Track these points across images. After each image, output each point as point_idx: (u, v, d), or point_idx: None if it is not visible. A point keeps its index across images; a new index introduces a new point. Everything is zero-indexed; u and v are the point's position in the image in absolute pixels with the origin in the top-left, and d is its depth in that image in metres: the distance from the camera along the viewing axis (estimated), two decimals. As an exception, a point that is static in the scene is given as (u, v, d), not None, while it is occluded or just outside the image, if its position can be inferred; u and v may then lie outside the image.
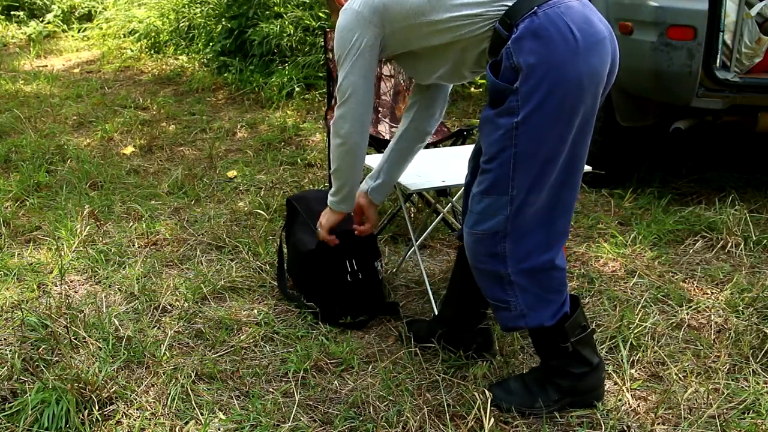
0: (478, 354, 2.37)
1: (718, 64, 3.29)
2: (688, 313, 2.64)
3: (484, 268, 2.02)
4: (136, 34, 8.10)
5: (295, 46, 6.29)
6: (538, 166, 1.90)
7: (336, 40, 2.13)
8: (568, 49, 1.83)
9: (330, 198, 2.40)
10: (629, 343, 2.44)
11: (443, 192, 2.57)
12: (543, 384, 2.13)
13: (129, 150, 4.76)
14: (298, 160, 4.50)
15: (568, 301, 2.06)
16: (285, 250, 2.94)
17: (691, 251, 3.19)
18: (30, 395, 2.11)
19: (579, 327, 2.08)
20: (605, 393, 2.19)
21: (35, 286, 2.90)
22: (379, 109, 3.73)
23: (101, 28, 8.85)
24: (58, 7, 9.59)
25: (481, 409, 2.05)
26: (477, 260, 2.03)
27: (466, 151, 2.99)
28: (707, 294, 2.81)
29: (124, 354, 2.40)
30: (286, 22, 6.34)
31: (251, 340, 2.53)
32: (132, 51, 7.86)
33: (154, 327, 2.61)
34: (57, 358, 2.35)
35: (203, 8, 7.47)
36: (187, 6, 7.74)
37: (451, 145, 3.30)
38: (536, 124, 1.86)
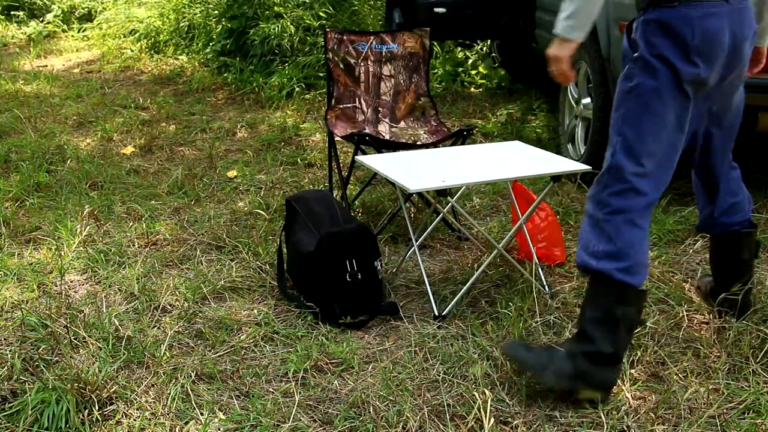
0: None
1: (718, 64, 3.29)
2: (688, 313, 2.64)
3: (590, 212, 2.23)
4: (136, 34, 8.10)
5: (296, 46, 6.29)
6: (636, 135, 2.16)
7: None
8: (678, 50, 2.10)
9: (564, 23, 2.17)
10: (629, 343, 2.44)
11: (443, 192, 2.57)
12: (564, 357, 2.16)
13: (129, 150, 4.76)
14: (298, 160, 4.50)
15: (640, 275, 2.15)
16: (284, 250, 2.94)
17: (691, 251, 3.18)
18: (30, 395, 2.11)
19: (635, 308, 2.17)
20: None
21: (35, 286, 2.90)
22: (379, 109, 3.73)
23: (101, 28, 8.84)
24: (58, 7, 9.59)
25: (481, 409, 2.05)
26: (588, 204, 2.26)
27: (466, 151, 2.99)
28: (707, 294, 2.80)
29: (124, 354, 2.40)
30: (287, 22, 6.34)
31: (251, 340, 2.53)
32: (132, 51, 7.86)
33: (154, 327, 2.61)
34: (57, 358, 2.35)
35: (203, 8, 7.47)
36: (187, 6, 7.74)
37: (451, 145, 3.30)
38: (639, 98, 2.15)
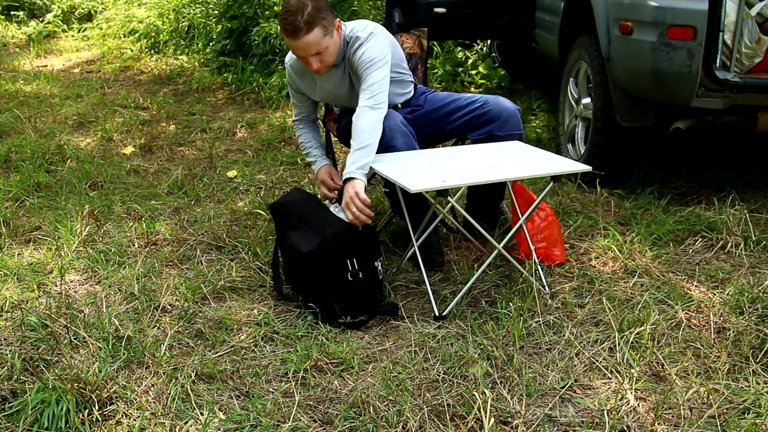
0: None
1: (718, 64, 3.29)
2: (687, 313, 2.64)
3: None
4: (136, 34, 8.09)
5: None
6: None
7: (372, 46, 2.88)
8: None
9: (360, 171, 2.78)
10: (629, 343, 2.44)
11: (443, 192, 2.56)
12: None
13: (129, 150, 4.76)
14: (298, 160, 4.50)
15: None
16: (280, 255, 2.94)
17: (691, 251, 3.18)
18: (30, 395, 2.11)
19: None
20: (606, 393, 2.19)
21: (35, 286, 2.90)
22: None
23: (101, 28, 8.84)
24: (58, 7, 9.58)
25: (481, 409, 2.05)
26: None
27: (466, 151, 2.99)
28: (707, 294, 2.81)
29: (124, 354, 2.40)
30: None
31: (251, 340, 2.53)
32: (132, 51, 7.86)
33: (154, 327, 2.61)
34: (57, 358, 2.35)
35: (203, 8, 7.46)
36: (187, 6, 7.74)
37: (452, 145, 3.30)
38: None
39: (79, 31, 9.25)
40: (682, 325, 2.56)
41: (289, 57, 3.11)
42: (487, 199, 3.27)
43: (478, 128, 3.09)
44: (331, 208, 2.92)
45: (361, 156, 2.77)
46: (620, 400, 2.17)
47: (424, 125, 3.18)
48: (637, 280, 2.90)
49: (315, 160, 3.16)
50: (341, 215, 2.79)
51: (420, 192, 2.55)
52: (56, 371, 2.23)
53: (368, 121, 2.81)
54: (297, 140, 3.30)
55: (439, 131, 3.21)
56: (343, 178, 2.77)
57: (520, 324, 2.55)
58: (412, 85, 3.27)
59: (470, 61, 6.47)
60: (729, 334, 2.48)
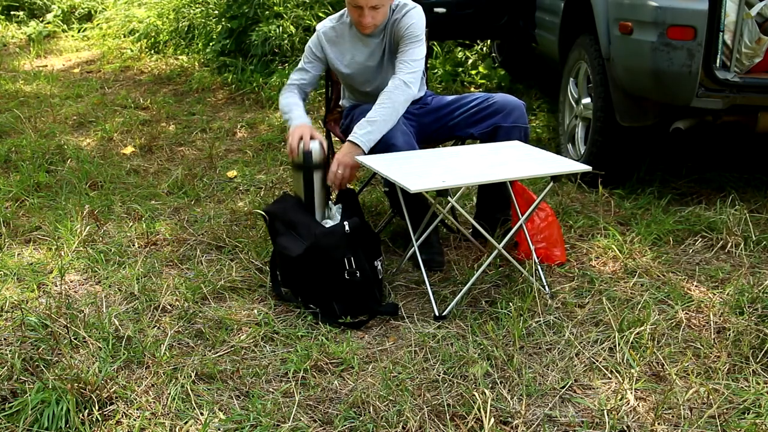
0: None
1: (718, 64, 3.29)
2: (687, 313, 2.64)
3: None
4: (136, 34, 8.10)
5: (296, 46, 6.30)
6: None
7: (419, 20, 2.99)
8: None
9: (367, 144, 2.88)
10: (629, 343, 2.44)
11: (443, 192, 2.56)
12: None
13: (129, 150, 4.76)
14: (298, 160, 4.49)
15: None
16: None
17: (691, 251, 3.18)
18: (30, 395, 2.11)
19: None
20: (606, 393, 2.19)
21: (35, 286, 2.90)
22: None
23: (101, 28, 8.84)
24: (58, 7, 9.58)
25: (481, 409, 2.05)
26: None
27: (466, 151, 2.99)
28: (707, 294, 2.81)
29: (124, 354, 2.40)
30: (287, 22, 6.34)
31: (251, 340, 2.53)
32: (132, 51, 7.86)
33: (154, 327, 2.61)
34: (57, 358, 2.35)
35: (203, 8, 7.46)
36: (187, 6, 7.74)
37: (452, 145, 3.29)
38: None
39: (79, 31, 9.25)
40: (682, 325, 2.56)
41: (323, 25, 3.15)
42: (497, 203, 3.24)
43: (483, 121, 3.09)
44: (333, 209, 2.92)
45: (377, 128, 2.87)
46: (620, 400, 2.17)
47: (429, 123, 3.19)
48: (637, 280, 2.90)
49: (295, 117, 3.07)
50: (329, 222, 2.81)
51: (420, 192, 2.55)
52: (56, 371, 2.23)
53: (399, 98, 2.90)
54: (281, 101, 3.19)
55: (443, 127, 3.20)
56: (348, 139, 2.88)
57: (520, 324, 2.55)
58: (423, 86, 3.29)
59: (470, 61, 6.47)
60: (729, 334, 2.48)
